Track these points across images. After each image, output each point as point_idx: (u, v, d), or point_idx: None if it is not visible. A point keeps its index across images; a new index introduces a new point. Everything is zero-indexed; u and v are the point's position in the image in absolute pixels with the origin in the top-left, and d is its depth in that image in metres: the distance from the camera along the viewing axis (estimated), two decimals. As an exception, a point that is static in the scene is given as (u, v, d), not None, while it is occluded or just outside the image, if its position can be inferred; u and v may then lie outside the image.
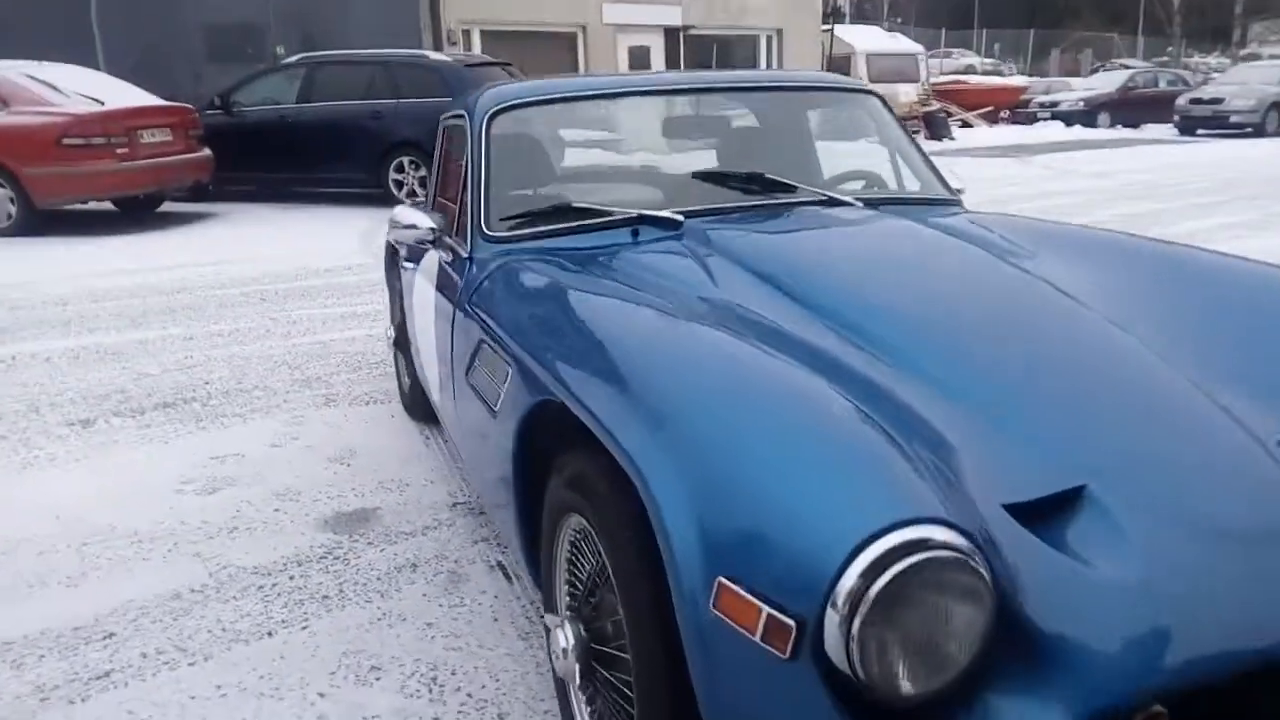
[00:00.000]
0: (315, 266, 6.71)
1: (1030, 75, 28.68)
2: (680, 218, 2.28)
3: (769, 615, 1.06)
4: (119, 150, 8.22)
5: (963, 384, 1.48)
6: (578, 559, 1.58)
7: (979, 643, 1.06)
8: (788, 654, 1.05)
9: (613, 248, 2.21)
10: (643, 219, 2.30)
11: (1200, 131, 18.31)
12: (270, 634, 2.23)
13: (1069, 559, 1.20)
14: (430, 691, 1.99)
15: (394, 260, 3.49)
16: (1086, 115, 20.19)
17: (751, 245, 2.07)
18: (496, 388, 1.85)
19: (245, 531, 2.76)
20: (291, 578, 2.49)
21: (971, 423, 1.40)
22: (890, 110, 2.82)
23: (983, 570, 1.06)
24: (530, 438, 1.69)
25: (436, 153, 3.06)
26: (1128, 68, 23.83)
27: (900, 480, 1.13)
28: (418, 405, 3.53)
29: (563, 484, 1.54)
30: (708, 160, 2.76)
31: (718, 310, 1.74)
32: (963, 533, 1.08)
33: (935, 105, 19.15)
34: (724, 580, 1.11)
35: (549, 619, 1.60)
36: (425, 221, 2.44)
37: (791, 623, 1.05)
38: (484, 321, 2.02)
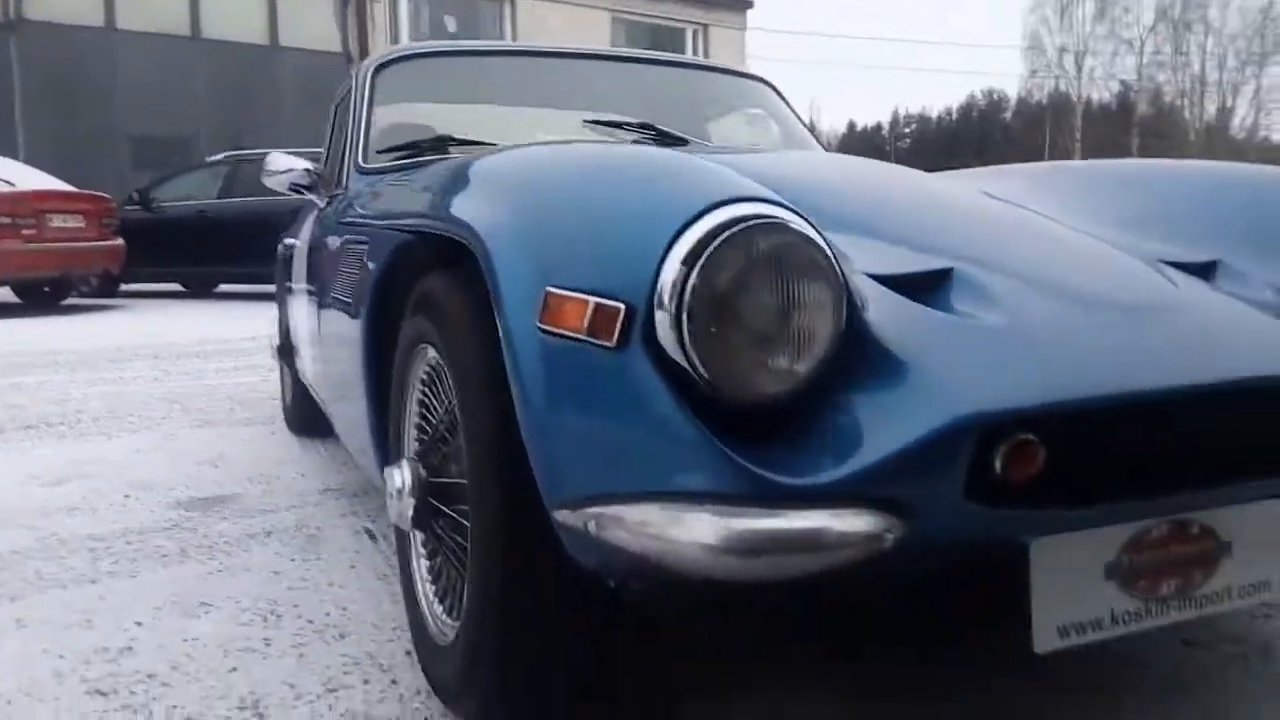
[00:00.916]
0: (215, 337, 6.50)
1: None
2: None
3: (594, 305, 0.95)
4: (25, 231, 8.00)
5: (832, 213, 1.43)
6: (429, 402, 1.44)
7: (831, 328, 0.95)
8: (615, 341, 0.93)
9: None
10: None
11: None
12: (93, 581, 1.98)
13: (932, 308, 1.12)
14: (265, 621, 1.76)
15: (284, 266, 3.37)
16: None
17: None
18: (357, 270, 1.73)
19: (88, 511, 2.50)
20: (129, 542, 2.24)
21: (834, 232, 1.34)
22: (786, 100, 2.87)
23: (820, 242, 0.97)
24: (386, 294, 1.57)
25: (327, 138, 3.00)
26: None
27: (726, 175, 1.05)
28: (299, 420, 3.33)
29: (411, 313, 1.41)
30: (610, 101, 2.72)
31: None
32: (799, 215, 0.99)
33: None
34: (550, 289, 1.00)
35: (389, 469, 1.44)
36: (301, 163, 2.35)
37: (618, 305, 0.94)
38: (348, 222, 1.92)
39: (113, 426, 3.61)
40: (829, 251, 0.97)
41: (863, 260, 1.23)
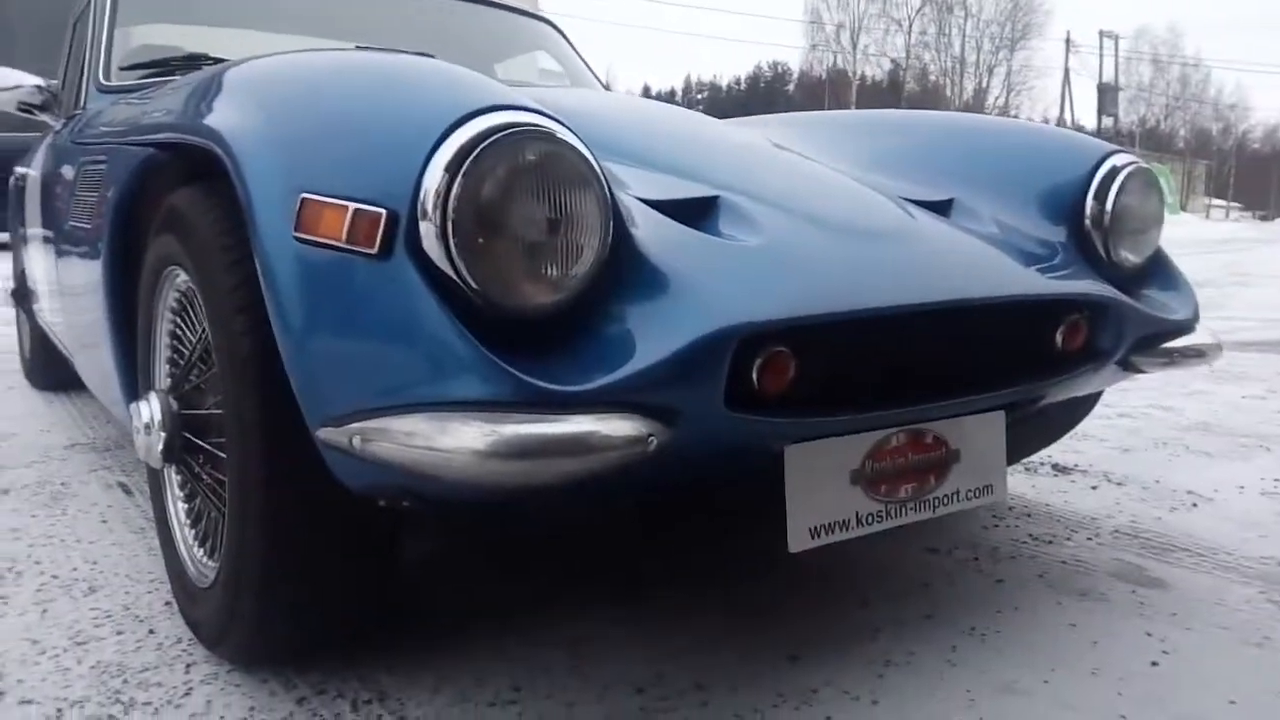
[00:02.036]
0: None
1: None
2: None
3: (354, 211, 0.92)
4: None
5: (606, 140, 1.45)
6: (180, 331, 1.34)
7: (598, 240, 0.97)
8: (376, 248, 0.91)
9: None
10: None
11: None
12: None
13: (698, 230, 1.17)
14: (3, 579, 1.60)
15: (17, 199, 3.03)
16: None
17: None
18: (96, 194, 1.59)
19: None
20: None
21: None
22: (573, 45, 2.86)
23: (586, 153, 0.98)
24: (130, 217, 1.45)
25: (64, 57, 2.70)
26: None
27: (492, 84, 1.05)
28: (41, 371, 3.03)
29: (156, 233, 1.31)
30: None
31: None
32: (564, 126, 1.00)
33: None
34: (306, 195, 0.96)
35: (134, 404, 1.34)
36: (30, 80, 2.11)
37: (380, 211, 0.91)
38: (85, 142, 1.75)
39: None
40: (595, 164, 0.98)
41: (634, 184, 1.26)
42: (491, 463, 0.87)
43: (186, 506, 1.37)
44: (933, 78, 46.25)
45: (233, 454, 1.12)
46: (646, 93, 52.41)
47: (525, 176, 0.93)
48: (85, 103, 2.02)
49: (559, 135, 0.97)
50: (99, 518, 1.91)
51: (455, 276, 0.91)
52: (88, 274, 1.64)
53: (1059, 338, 1.39)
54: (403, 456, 0.90)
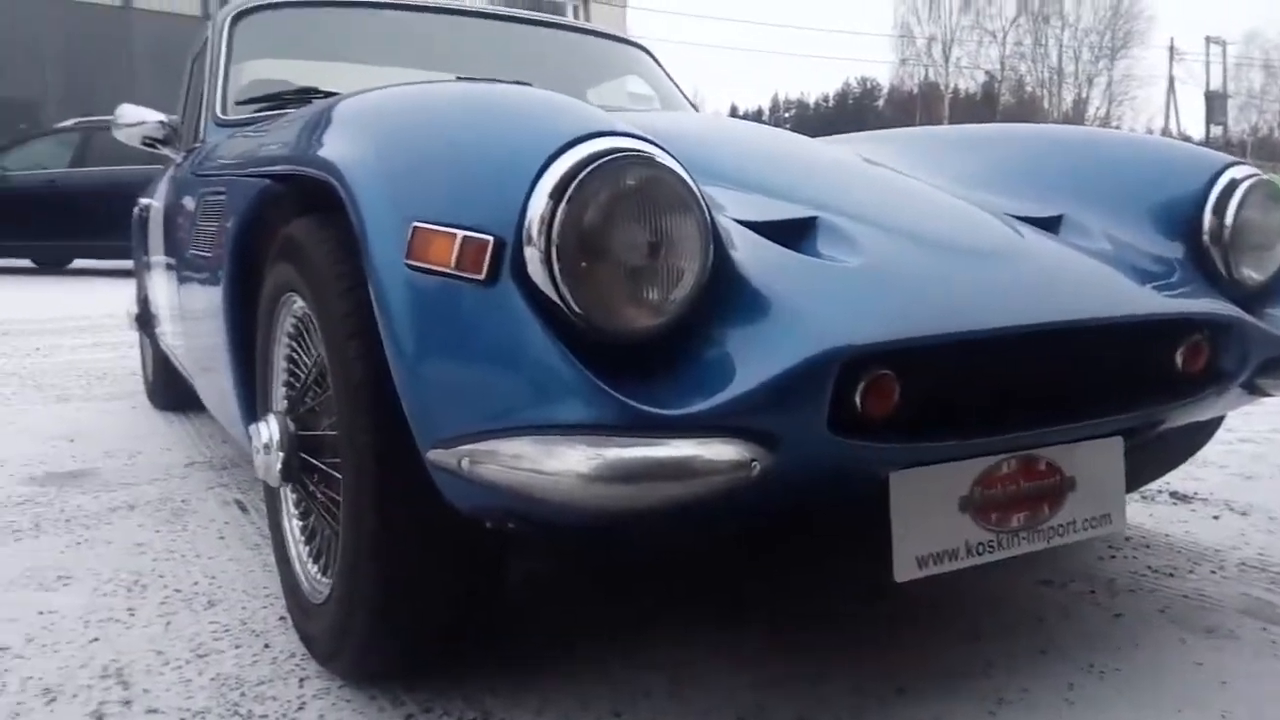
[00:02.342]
0: (70, 314, 6.14)
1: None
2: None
3: (462, 239, 0.95)
4: None
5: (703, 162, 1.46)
6: (296, 355, 1.40)
7: (699, 263, 0.97)
8: (484, 275, 0.93)
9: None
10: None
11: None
12: (-67, 560, 1.85)
13: (798, 251, 1.16)
14: (129, 591, 1.68)
15: (140, 229, 3.20)
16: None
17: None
18: (216, 224, 1.67)
19: (-74, 489, 2.34)
20: (-25, 520, 2.10)
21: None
22: (664, 68, 2.88)
23: (686, 176, 0.98)
24: (248, 246, 1.52)
25: (183, 93, 2.85)
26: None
27: (593, 111, 1.06)
28: (163, 392, 3.19)
29: (274, 262, 1.37)
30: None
31: None
32: (664, 150, 1.01)
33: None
34: (416, 224, 0.99)
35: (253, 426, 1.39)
36: (154, 115, 2.23)
37: (486, 238, 0.94)
38: (205, 175, 1.84)
39: (-46, 404, 3.37)
40: (695, 187, 0.99)
41: (732, 206, 1.26)
42: (596, 486, 0.88)
43: (301, 524, 1.42)
44: (1029, 90, 45.06)
45: (347, 475, 1.15)
46: (734, 112, 52.45)
47: (627, 201, 0.94)
48: (204, 136, 2.12)
49: (659, 160, 0.98)
50: (217, 534, 1.99)
51: (559, 301, 0.93)
52: (208, 300, 1.72)
53: (1179, 359, 1.33)
54: (509, 479, 0.91)
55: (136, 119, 2.25)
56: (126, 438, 2.86)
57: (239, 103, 2.15)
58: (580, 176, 0.93)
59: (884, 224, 1.27)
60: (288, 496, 1.46)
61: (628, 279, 0.95)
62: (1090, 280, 1.30)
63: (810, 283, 1.08)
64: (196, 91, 2.40)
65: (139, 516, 2.10)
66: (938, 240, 1.26)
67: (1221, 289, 1.42)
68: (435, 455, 0.98)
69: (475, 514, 1.05)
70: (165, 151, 2.36)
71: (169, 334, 2.53)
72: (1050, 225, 1.49)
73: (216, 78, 2.18)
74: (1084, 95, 44.82)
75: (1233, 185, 1.49)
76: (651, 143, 1.00)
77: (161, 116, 2.25)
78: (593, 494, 0.87)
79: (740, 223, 1.20)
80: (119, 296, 6.99)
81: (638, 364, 0.95)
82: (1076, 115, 43.40)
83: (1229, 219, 1.46)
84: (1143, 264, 1.42)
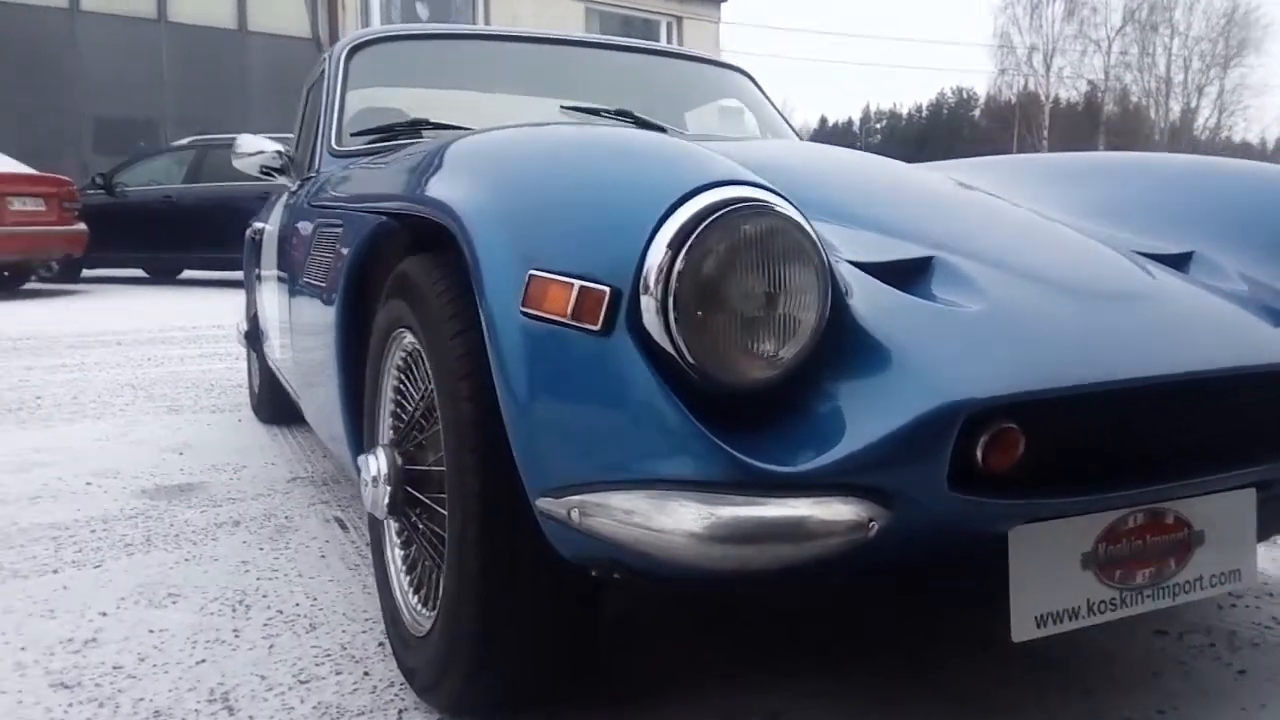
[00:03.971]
0: (180, 324, 6.40)
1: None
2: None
3: (579, 289, 0.94)
4: (-15, 215, 7.83)
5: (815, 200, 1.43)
6: (405, 389, 1.41)
7: (811, 335, 0.95)
8: (600, 325, 0.92)
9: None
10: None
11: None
12: (55, 571, 1.93)
13: (915, 296, 1.12)
14: (234, 611, 1.73)
15: (253, 251, 3.31)
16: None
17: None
18: (330, 254, 1.71)
19: (49, 499, 2.45)
20: (93, 531, 2.19)
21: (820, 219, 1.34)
22: (764, 91, 2.86)
23: (807, 227, 0.96)
24: (361, 279, 1.55)
25: (298, 121, 2.95)
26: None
27: (710, 157, 1.04)
28: (268, 406, 3.29)
29: (387, 297, 1.39)
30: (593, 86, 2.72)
31: None
32: (783, 198, 0.98)
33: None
34: (533, 273, 0.99)
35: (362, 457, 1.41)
36: (272, 145, 2.31)
37: (603, 288, 0.93)
38: (321, 205, 1.88)
39: (75, 413, 3.53)
40: (815, 236, 0.96)
41: (845, 248, 1.23)
42: (708, 546, 0.85)
43: (404, 554, 1.44)
44: (1134, 99, 43.46)
45: (453, 514, 1.16)
46: (824, 125, 51.90)
47: (745, 252, 0.92)
48: (319, 166, 2.18)
49: (778, 209, 0.95)
50: (318, 552, 2.03)
51: (674, 352, 0.91)
52: (319, 325, 1.76)
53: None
54: (620, 533, 0.90)
55: (255, 149, 2.33)
56: (233, 451, 2.96)
57: (353, 134, 2.21)
58: (700, 228, 0.91)
59: (1005, 264, 1.22)
60: (390, 526, 1.48)
61: (743, 330, 0.93)
62: (1227, 324, 1.23)
63: (930, 330, 1.04)
64: (312, 120, 2.47)
65: (243, 533, 2.16)
66: (1063, 281, 1.20)
67: None
68: (544, 504, 0.97)
69: (580, 561, 1.04)
70: (281, 180, 2.43)
71: (277, 351, 2.60)
72: (1180, 263, 1.41)
73: (332, 109, 2.24)
74: (1193, 105, 43.02)
75: None
76: (771, 190, 0.98)
77: (278, 147, 2.33)
78: (705, 553, 0.85)
79: (854, 264, 1.16)
80: (225, 308, 7.28)
81: (753, 416, 0.93)
82: (1184, 126, 41.69)
83: None
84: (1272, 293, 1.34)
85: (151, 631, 1.64)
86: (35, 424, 3.36)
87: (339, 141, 2.20)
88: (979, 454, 0.99)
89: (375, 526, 1.52)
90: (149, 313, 7.13)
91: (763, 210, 0.94)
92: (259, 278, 3.05)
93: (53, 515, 2.30)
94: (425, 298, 1.22)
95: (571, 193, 1.05)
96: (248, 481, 2.62)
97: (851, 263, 1.17)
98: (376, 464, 1.36)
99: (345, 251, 1.56)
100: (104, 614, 1.71)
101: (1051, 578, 1.10)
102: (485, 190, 1.12)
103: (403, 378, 1.41)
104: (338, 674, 1.47)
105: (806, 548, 0.86)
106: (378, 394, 1.48)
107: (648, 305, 0.91)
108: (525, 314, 0.98)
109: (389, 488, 1.34)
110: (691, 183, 0.95)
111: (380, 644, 1.56)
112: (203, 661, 1.52)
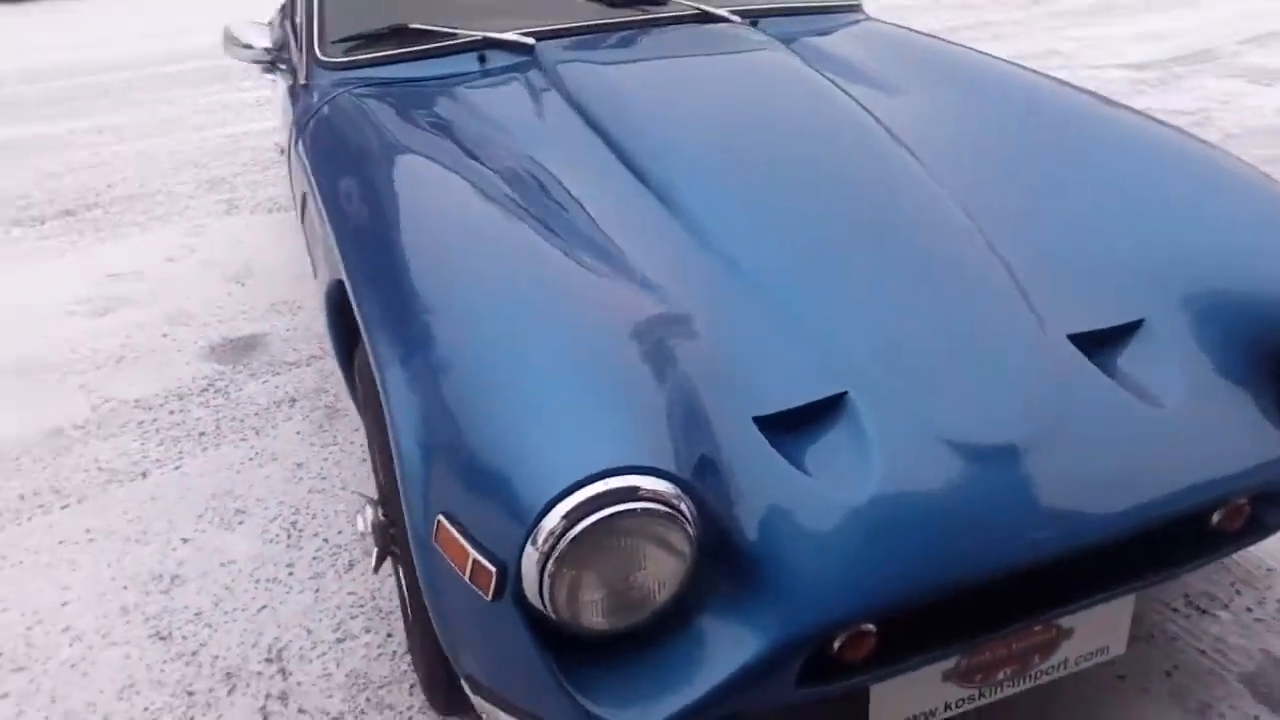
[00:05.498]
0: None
1: None
2: (531, 40, 2.11)
3: (474, 561, 1.08)
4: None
5: (753, 260, 1.43)
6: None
7: (675, 589, 1.08)
8: (490, 595, 1.08)
9: (456, 79, 2.07)
10: (488, 43, 2.13)
11: None
12: (144, 475, 2.30)
13: (806, 476, 1.18)
14: (289, 537, 2.07)
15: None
16: None
17: (590, 83, 1.93)
18: (315, 248, 1.79)
19: (131, 361, 2.78)
20: (171, 413, 2.53)
21: (750, 310, 1.36)
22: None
23: (688, 526, 1.05)
24: (338, 310, 1.66)
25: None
26: None
27: (623, 424, 1.11)
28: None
29: (359, 366, 1.52)
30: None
31: (529, 184, 1.64)
32: (677, 481, 1.06)
33: None
34: (441, 518, 1.12)
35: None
36: (261, 40, 2.25)
37: (493, 569, 1.06)
38: (309, 171, 1.92)
39: (143, 213, 3.77)
40: (689, 528, 1.05)
41: (759, 371, 1.26)
42: None
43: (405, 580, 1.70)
44: None
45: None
46: None
47: (627, 540, 1.03)
48: (310, 78, 2.12)
49: (652, 509, 1.03)
50: (360, 455, 2.33)
51: (550, 614, 1.06)
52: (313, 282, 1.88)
53: (1216, 519, 1.32)
54: None
55: (245, 40, 2.27)
56: (288, 281, 3.19)
57: (334, 41, 2.14)
58: (575, 529, 1.01)
59: (915, 410, 1.21)
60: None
61: (609, 598, 1.06)
62: (1137, 470, 1.24)
63: (798, 543, 1.12)
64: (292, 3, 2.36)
65: (298, 420, 2.46)
66: (971, 434, 1.20)
67: None
68: (465, 685, 1.20)
69: None
70: (277, 79, 2.38)
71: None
72: (1124, 336, 1.39)
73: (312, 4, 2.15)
74: None
75: None
76: (667, 476, 1.05)
77: (268, 42, 2.25)
78: None
79: (761, 420, 1.22)
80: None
81: (620, 660, 1.10)
82: None
83: None
84: (1215, 397, 1.32)
85: (223, 565, 2.00)
86: (109, 230, 3.62)
87: (323, 50, 2.14)
88: (834, 650, 1.15)
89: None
90: (111, 29, 6.98)
91: (637, 510, 1.02)
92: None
93: (137, 387, 2.64)
94: (372, 401, 1.34)
95: (484, 444, 1.11)
96: (300, 334, 2.88)
97: (756, 419, 1.23)
98: (364, 520, 1.58)
99: (323, 273, 1.64)
100: (185, 540, 2.08)
101: (912, 694, 1.28)
102: (418, 395, 1.19)
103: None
104: (367, 631, 1.82)
105: None
106: (372, 444, 1.65)
107: (529, 583, 1.05)
108: (436, 546, 1.14)
109: (376, 547, 1.57)
110: (591, 466, 1.03)
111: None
112: (264, 608, 1.89)
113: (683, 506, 1.06)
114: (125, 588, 1.96)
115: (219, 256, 3.38)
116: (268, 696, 1.69)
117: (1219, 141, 3.98)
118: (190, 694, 1.70)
